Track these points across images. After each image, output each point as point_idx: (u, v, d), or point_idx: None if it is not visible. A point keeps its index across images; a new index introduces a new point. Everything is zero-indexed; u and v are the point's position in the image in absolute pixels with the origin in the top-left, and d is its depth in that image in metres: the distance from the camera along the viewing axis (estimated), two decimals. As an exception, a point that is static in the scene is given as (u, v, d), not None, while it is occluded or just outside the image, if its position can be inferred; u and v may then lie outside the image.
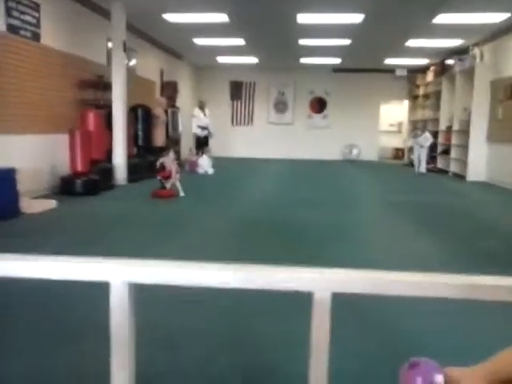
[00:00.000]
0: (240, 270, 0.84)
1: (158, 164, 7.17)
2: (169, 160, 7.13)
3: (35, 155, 6.51)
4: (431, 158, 12.79)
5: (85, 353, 2.14)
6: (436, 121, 12.51)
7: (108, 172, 7.67)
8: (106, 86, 8.08)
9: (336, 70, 15.18)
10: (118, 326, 0.85)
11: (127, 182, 8.22)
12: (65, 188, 6.77)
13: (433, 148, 12.26)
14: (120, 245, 4.12)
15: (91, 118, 7.31)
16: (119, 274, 0.84)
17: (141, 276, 0.85)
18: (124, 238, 4.43)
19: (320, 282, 0.83)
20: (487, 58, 10.05)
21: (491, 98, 9.75)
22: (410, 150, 14.98)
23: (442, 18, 8.37)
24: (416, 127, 12.82)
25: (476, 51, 10.30)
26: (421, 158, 11.51)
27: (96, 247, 3.95)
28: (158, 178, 7.03)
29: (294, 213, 5.88)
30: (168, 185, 7.00)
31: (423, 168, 11.44)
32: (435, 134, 12.64)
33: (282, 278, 0.85)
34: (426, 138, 11.47)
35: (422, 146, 11.50)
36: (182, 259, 0.93)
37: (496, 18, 8.43)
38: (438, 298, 0.86)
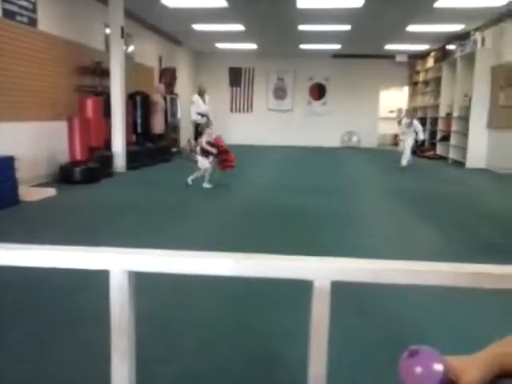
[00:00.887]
0: (240, 258, 0.84)
1: (197, 147, 6.55)
2: (210, 137, 6.50)
3: (33, 143, 6.48)
4: (431, 145, 12.78)
5: (84, 341, 2.15)
6: (436, 107, 12.46)
7: (107, 160, 7.65)
8: (104, 73, 8.03)
9: (336, 55, 15.07)
10: (117, 314, 0.85)
11: (126, 170, 8.21)
12: (64, 176, 6.76)
13: (433, 134, 12.19)
14: (120, 232, 4.13)
15: (89, 105, 7.27)
16: (119, 263, 0.84)
17: (140, 264, 0.85)
18: (124, 226, 4.43)
19: (320, 270, 0.83)
20: (488, 44, 9.97)
21: (492, 84, 9.70)
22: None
23: (443, 2, 8.29)
24: (401, 112, 10.94)
25: (477, 36, 10.22)
26: (404, 146, 9.75)
27: (96, 235, 3.96)
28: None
29: (293, 198, 5.88)
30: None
31: (404, 160, 9.58)
32: (435, 121, 12.61)
33: (281, 267, 0.85)
34: (410, 125, 9.54)
35: (403, 133, 10.05)
36: (182, 247, 0.93)
37: (498, 1, 8.35)
38: (437, 286, 0.86)
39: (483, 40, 10.09)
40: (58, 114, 6.91)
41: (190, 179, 6.61)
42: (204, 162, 6.45)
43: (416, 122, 9.60)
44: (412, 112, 11.05)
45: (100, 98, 7.72)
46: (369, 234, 4.38)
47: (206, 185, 6.59)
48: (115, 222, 4.62)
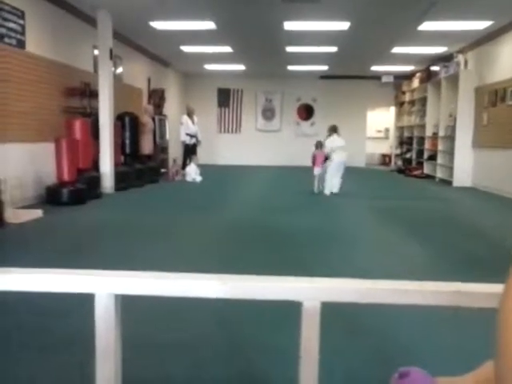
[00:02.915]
0: (228, 280, 0.83)
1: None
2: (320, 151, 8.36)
3: (20, 164, 6.43)
4: (418, 164, 12.92)
5: (67, 366, 2.10)
6: (422, 127, 12.64)
7: (95, 181, 7.61)
8: (93, 94, 8.05)
9: (323, 77, 15.28)
10: (103, 338, 0.83)
11: (115, 191, 8.16)
12: (51, 197, 6.70)
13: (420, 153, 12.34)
14: (108, 255, 4.08)
15: (78, 126, 7.26)
16: (104, 286, 0.83)
17: (127, 287, 0.84)
18: (112, 248, 4.39)
19: (309, 291, 0.82)
20: (471, 65, 10.19)
21: (476, 104, 9.88)
22: (398, 155, 15.13)
23: (427, 26, 8.48)
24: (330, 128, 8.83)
25: (460, 58, 10.44)
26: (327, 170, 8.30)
27: (83, 258, 3.91)
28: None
29: (282, 219, 5.88)
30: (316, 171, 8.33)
31: (327, 187, 8.30)
32: (422, 140, 12.78)
33: (269, 288, 0.84)
34: (333, 142, 8.37)
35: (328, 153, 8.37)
36: (170, 268, 0.91)
37: (479, 25, 8.57)
38: (426, 306, 0.86)
39: (466, 62, 10.31)
40: (46, 135, 6.89)
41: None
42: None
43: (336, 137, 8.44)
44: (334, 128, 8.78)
45: (88, 119, 7.72)
46: (355, 251, 4.38)
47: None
48: (101, 244, 4.57)
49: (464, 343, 2.40)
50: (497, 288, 0.86)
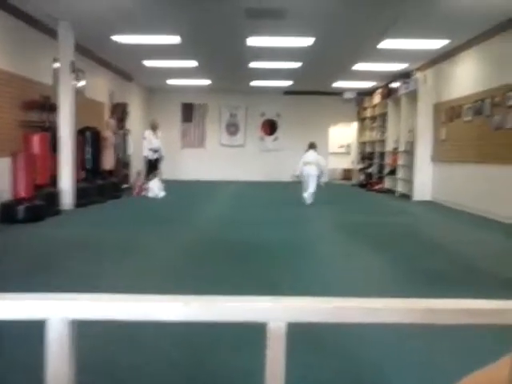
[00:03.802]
0: (190, 301, 0.79)
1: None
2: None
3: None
4: (379, 179, 13.19)
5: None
6: (383, 142, 12.93)
7: (53, 197, 7.38)
8: (53, 108, 7.85)
9: (286, 92, 15.46)
10: (55, 368, 0.77)
11: (75, 207, 7.94)
12: (6, 215, 6.44)
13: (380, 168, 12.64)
14: (65, 275, 3.93)
15: (36, 141, 7.05)
16: (58, 310, 0.77)
17: (82, 312, 0.79)
18: (70, 268, 4.23)
19: (274, 311, 0.79)
20: (430, 82, 10.53)
21: (434, 120, 10.19)
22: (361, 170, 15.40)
23: (387, 43, 8.72)
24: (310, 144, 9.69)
25: (419, 75, 10.78)
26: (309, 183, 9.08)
27: (37, 280, 3.73)
28: None
29: (246, 233, 5.85)
30: None
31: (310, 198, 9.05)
32: (382, 155, 13.06)
33: (234, 309, 0.81)
34: (306, 157, 9.37)
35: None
36: (131, 287, 0.87)
37: (436, 44, 8.87)
38: (394, 324, 0.84)
39: (425, 79, 10.65)
40: (1, 149, 6.65)
41: None
42: None
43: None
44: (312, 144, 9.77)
45: (48, 133, 7.51)
46: (319, 266, 4.39)
47: None
48: (59, 263, 4.39)
49: (432, 359, 2.41)
50: (466, 304, 0.85)
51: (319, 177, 9.23)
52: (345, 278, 4.02)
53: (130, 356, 2.39)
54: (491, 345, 1.96)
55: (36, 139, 7.07)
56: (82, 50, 9.18)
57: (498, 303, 0.89)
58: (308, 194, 9.05)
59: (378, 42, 8.63)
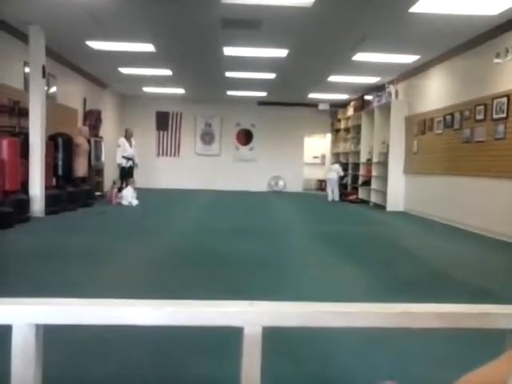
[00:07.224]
0: (160, 305, 0.77)
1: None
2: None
3: None
4: (353, 189, 13.35)
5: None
6: (357, 153, 13.08)
7: (23, 204, 7.20)
8: (23, 113, 7.68)
9: (261, 103, 15.54)
10: (20, 374, 0.74)
11: (45, 214, 7.75)
12: (-27, 221, 6.25)
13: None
14: (33, 284, 3.82)
15: (5, 146, 6.86)
16: (23, 315, 0.74)
17: (49, 317, 0.76)
18: (38, 276, 4.12)
19: (250, 316, 0.78)
20: (401, 96, 10.74)
21: (406, 132, 10.38)
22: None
23: (360, 57, 8.87)
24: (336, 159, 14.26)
25: (391, 89, 10.98)
26: (333, 187, 13.07)
27: (3, 288, 3.63)
28: None
29: (220, 243, 5.81)
30: None
31: (336, 196, 13.00)
32: (356, 166, 13.22)
33: (209, 314, 0.79)
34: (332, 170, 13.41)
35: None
36: (97, 297, 0.84)
37: (408, 59, 9.07)
38: (368, 328, 0.84)
39: (397, 92, 10.86)
40: (-30, 154, 6.46)
41: None
42: None
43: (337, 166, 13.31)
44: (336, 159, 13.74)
45: (17, 138, 7.34)
46: (291, 275, 4.38)
47: None
48: (26, 271, 4.27)
49: (407, 364, 2.42)
50: (438, 308, 0.85)
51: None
52: (318, 287, 4.03)
53: (96, 364, 2.33)
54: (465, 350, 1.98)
55: (5, 144, 6.89)
56: (54, 55, 9.03)
57: (471, 307, 0.89)
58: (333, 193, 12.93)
59: (352, 55, 8.77)
